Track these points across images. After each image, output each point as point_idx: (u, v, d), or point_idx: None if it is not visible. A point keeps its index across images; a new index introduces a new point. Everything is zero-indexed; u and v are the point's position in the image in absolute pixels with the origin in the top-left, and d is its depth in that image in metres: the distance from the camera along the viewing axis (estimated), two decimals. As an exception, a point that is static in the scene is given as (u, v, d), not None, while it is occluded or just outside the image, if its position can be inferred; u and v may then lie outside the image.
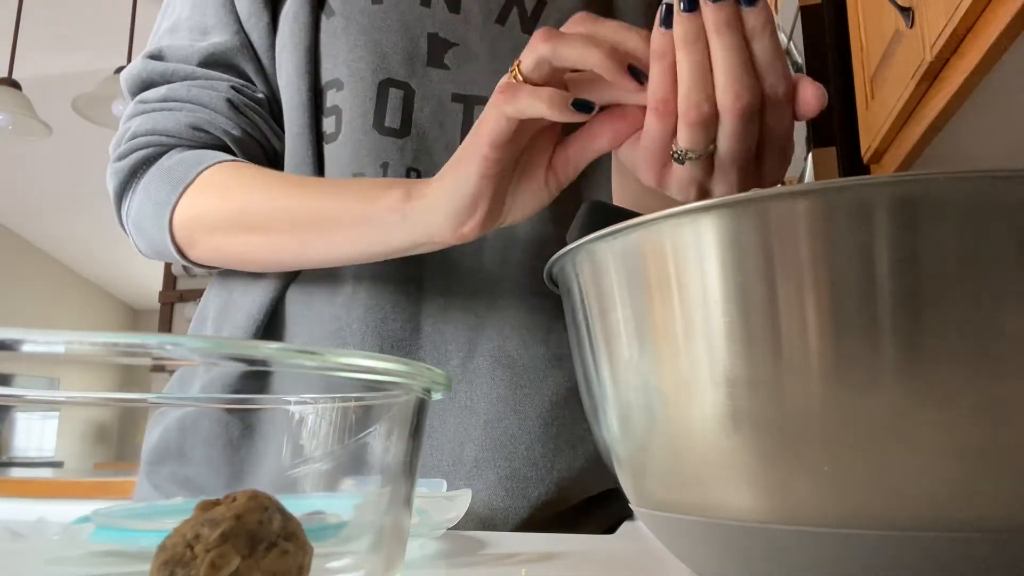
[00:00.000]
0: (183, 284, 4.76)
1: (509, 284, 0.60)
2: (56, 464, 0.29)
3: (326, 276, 0.60)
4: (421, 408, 0.30)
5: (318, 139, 0.61)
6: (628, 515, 0.66)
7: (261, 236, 0.55)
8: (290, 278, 0.61)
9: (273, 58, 0.63)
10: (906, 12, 1.04)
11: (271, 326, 0.61)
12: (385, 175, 0.59)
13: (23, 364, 0.22)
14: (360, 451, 0.29)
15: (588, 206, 0.33)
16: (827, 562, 0.24)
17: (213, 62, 0.62)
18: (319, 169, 0.61)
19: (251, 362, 0.25)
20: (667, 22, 0.39)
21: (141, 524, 0.29)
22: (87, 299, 6.58)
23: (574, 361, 0.34)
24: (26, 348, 0.21)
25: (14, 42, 3.01)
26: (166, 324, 4.74)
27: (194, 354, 0.23)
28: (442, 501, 0.44)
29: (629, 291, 0.28)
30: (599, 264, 0.29)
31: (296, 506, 0.23)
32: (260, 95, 0.63)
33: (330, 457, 0.29)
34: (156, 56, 0.63)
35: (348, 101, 0.60)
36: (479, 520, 0.57)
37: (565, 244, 0.30)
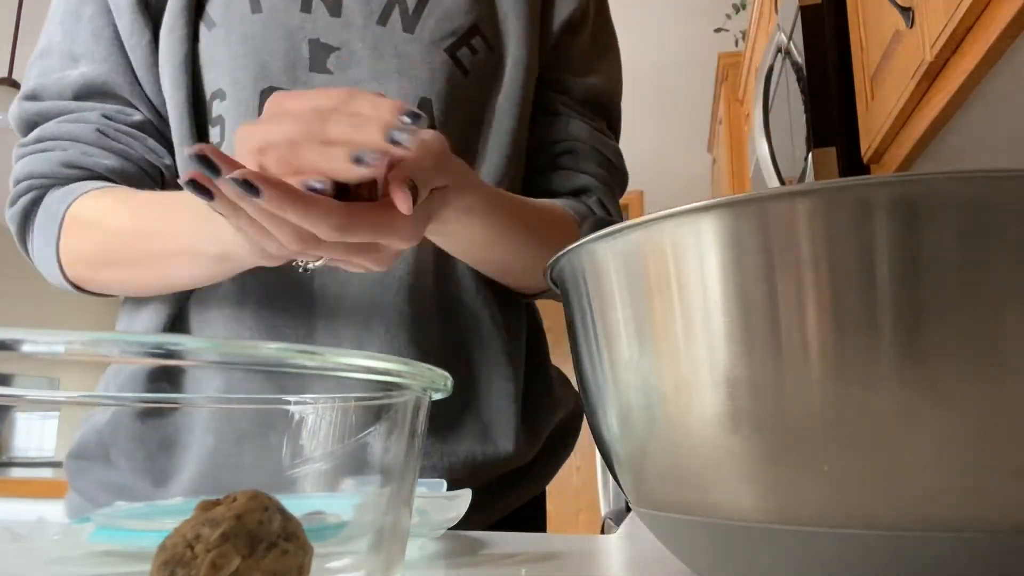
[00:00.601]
0: (183, 284, 4.76)
1: (393, 287, 0.61)
2: (56, 464, 0.29)
3: (217, 287, 0.61)
4: (421, 408, 0.30)
5: None
6: (537, 493, 0.69)
7: (126, 271, 0.58)
8: (187, 294, 0.62)
9: (157, 76, 0.63)
10: (906, 12, 1.04)
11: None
12: None
13: (23, 364, 0.22)
14: (360, 451, 0.29)
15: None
16: (827, 562, 0.24)
17: (86, 93, 0.63)
18: None
19: (252, 362, 0.25)
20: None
21: (141, 524, 0.29)
22: (87, 299, 6.57)
23: (574, 361, 0.34)
24: (26, 348, 0.21)
25: (14, 42, 3.00)
26: (166, 324, 4.73)
27: (195, 354, 0.23)
28: (442, 501, 0.44)
29: (629, 291, 0.28)
30: (599, 264, 0.29)
31: (296, 506, 0.23)
32: (138, 117, 0.63)
33: (330, 457, 0.29)
34: (31, 96, 0.64)
35: (230, 110, 0.61)
36: None
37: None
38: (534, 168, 0.71)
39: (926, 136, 1.11)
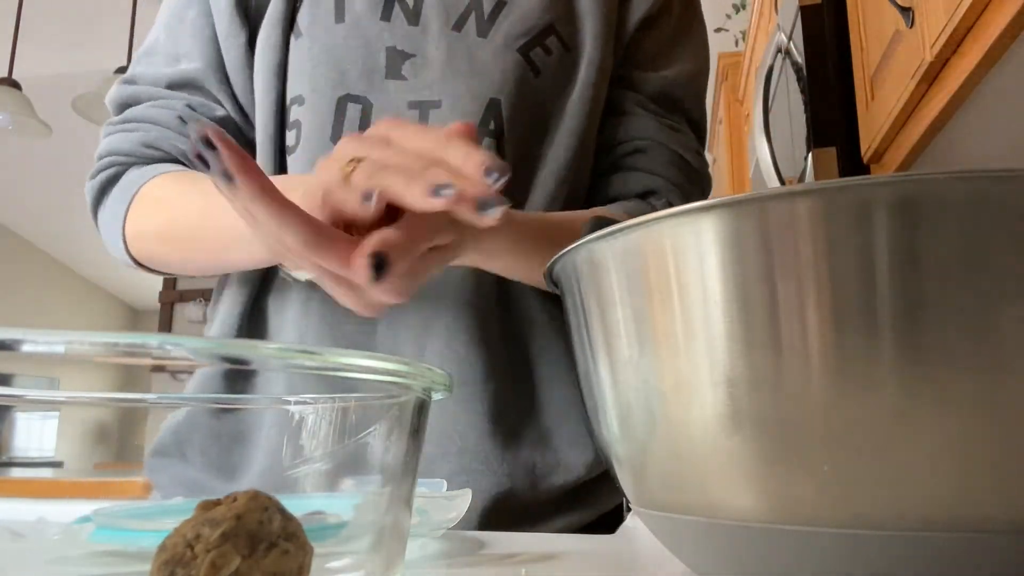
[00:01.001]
0: (183, 284, 4.76)
1: (453, 287, 0.61)
2: (56, 464, 0.29)
3: (292, 283, 0.62)
4: (421, 408, 0.30)
5: (281, 151, 0.65)
6: (609, 509, 0.66)
7: (186, 250, 0.60)
8: (266, 285, 0.65)
9: (249, 77, 0.66)
10: (906, 12, 1.04)
11: (254, 333, 0.65)
12: None
13: (23, 364, 0.22)
14: (360, 451, 0.29)
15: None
16: (827, 562, 0.24)
17: (178, 84, 0.67)
18: None
19: (252, 362, 0.25)
20: None
21: (141, 524, 0.29)
22: (87, 299, 6.58)
23: (575, 361, 0.34)
24: (26, 348, 0.21)
25: (14, 42, 3.00)
26: (166, 324, 4.74)
27: (194, 354, 0.23)
28: (442, 501, 0.44)
29: (629, 291, 0.28)
30: (599, 264, 0.29)
31: (296, 506, 0.23)
32: (220, 113, 0.67)
33: (330, 457, 0.29)
34: (129, 81, 0.69)
35: (307, 115, 0.63)
36: None
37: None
38: (598, 171, 0.70)
39: (926, 136, 1.11)
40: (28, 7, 3.12)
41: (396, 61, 0.63)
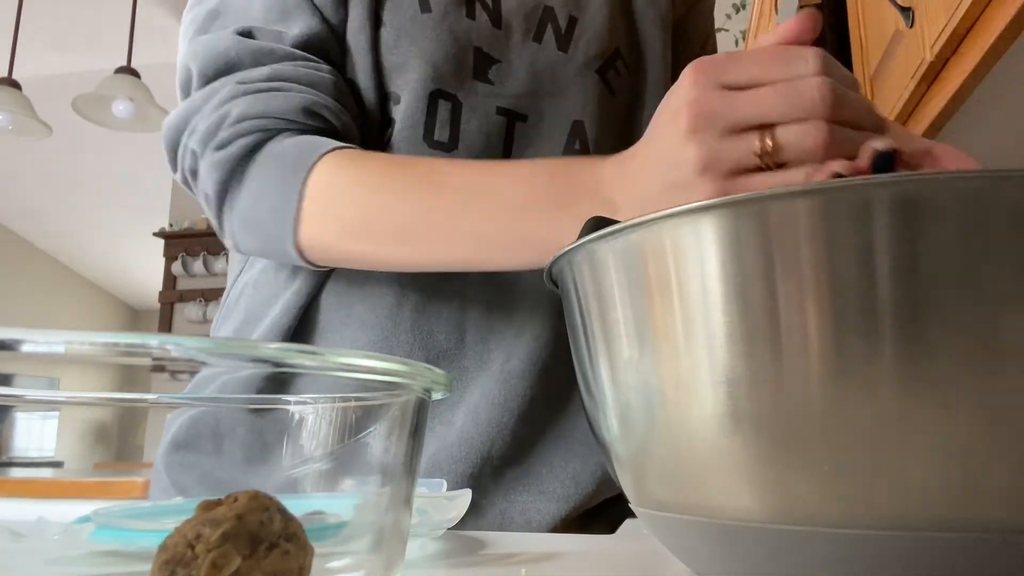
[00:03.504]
0: (183, 284, 4.76)
1: (547, 296, 0.61)
2: (56, 464, 0.29)
3: (365, 282, 0.59)
4: (421, 408, 0.30)
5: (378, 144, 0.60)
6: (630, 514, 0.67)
7: (411, 245, 0.50)
8: (322, 282, 0.60)
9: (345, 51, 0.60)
10: (906, 12, 1.04)
11: (301, 331, 0.60)
12: None
13: (23, 364, 0.22)
14: (360, 451, 0.29)
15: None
16: (827, 562, 0.24)
17: (307, 46, 0.57)
18: None
19: (253, 362, 0.25)
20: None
21: (141, 524, 0.29)
22: (87, 299, 6.58)
23: (574, 361, 0.34)
24: (26, 348, 0.21)
25: (14, 42, 3.01)
26: (166, 324, 4.74)
27: (194, 354, 0.23)
28: (442, 501, 0.44)
29: (629, 291, 0.28)
30: (599, 264, 0.29)
31: (296, 506, 0.23)
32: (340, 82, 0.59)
33: (330, 457, 0.29)
34: (246, 34, 0.56)
35: (399, 113, 0.59)
36: (500, 516, 0.59)
37: None
38: None
39: (926, 136, 1.11)
40: (28, 7, 3.13)
41: (483, 63, 0.61)
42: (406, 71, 0.59)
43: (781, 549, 0.25)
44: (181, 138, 0.57)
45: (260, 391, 0.50)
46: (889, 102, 1.18)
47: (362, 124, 0.59)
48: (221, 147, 0.54)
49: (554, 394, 0.61)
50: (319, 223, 0.51)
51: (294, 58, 0.56)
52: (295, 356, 0.25)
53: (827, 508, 0.23)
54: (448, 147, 0.59)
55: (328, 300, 0.60)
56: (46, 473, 0.28)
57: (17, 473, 0.27)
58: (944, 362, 0.22)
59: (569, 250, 0.31)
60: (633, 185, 0.44)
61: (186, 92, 0.59)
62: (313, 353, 0.25)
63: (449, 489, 0.54)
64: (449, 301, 0.59)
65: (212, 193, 0.55)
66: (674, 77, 0.72)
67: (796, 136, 0.36)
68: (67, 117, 3.29)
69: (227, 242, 0.58)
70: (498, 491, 0.59)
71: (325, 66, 0.56)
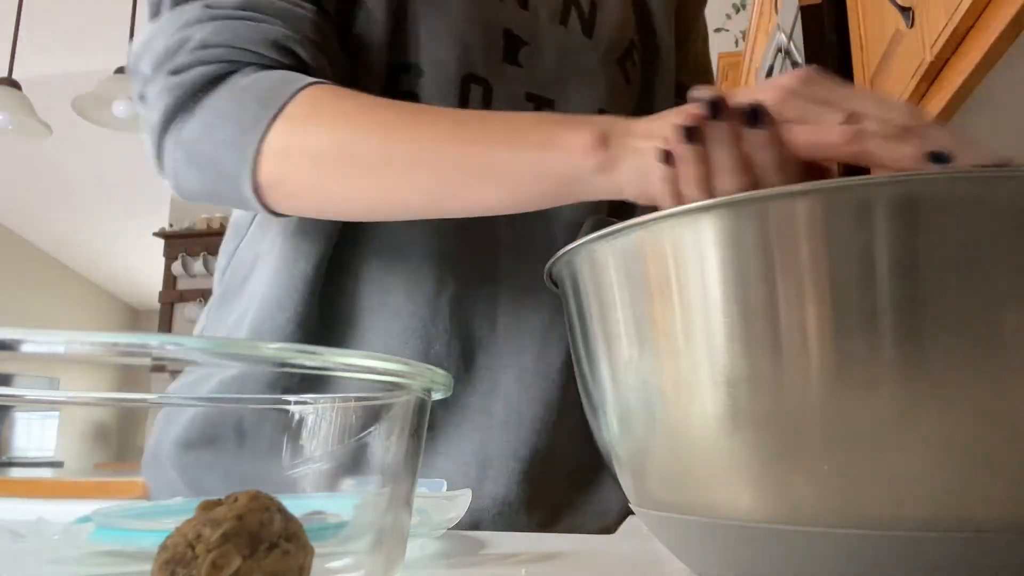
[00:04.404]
0: (183, 284, 4.76)
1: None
2: (56, 464, 0.29)
3: (402, 270, 0.57)
4: (421, 408, 0.30)
5: None
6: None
7: (389, 178, 0.46)
8: (352, 265, 0.57)
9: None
10: (906, 12, 1.04)
11: (332, 321, 0.57)
12: None
13: (23, 364, 0.22)
14: (360, 451, 0.29)
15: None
16: (827, 562, 0.24)
17: None
18: None
19: (252, 361, 0.25)
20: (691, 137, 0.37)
21: (141, 524, 0.29)
22: (87, 299, 6.58)
23: (575, 361, 0.34)
24: (26, 348, 0.21)
25: (14, 42, 3.00)
26: (166, 324, 4.74)
27: (195, 354, 0.23)
28: (442, 501, 0.44)
29: (629, 291, 0.28)
30: (599, 264, 0.29)
31: (296, 506, 0.23)
32: (333, 33, 0.55)
33: (330, 457, 0.29)
34: None
35: (427, 91, 0.56)
36: (551, 502, 0.59)
37: None
38: None
39: (926, 136, 1.11)
40: (28, 7, 3.12)
41: (512, 45, 0.59)
42: (432, 46, 0.56)
43: (781, 549, 0.25)
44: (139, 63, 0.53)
45: (287, 390, 0.50)
46: (889, 102, 1.18)
47: (353, 78, 0.55)
48: (177, 72, 0.50)
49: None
50: (286, 156, 0.47)
51: None
52: (295, 356, 0.25)
53: (827, 508, 0.23)
54: None
55: (363, 288, 0.57)
56: (46, 473, 0.28)
57: (17, 473, 0.27)
58: (943, 362, 0.22)
59: (569, 250, 0.31)
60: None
61: (155, 13, 0.54)
62: (313, 353, 0.25)
63: (505, 486, 0.55)
64: (483, 289, 0.59)
65: (157, 120, 0.50)
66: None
67: (883, 123, 0.36)
68: (67, 117, 3.29)
69: (165, 180, 0.53)
70: (550, 482, 0.59)
71: (309, 4, 0.52)
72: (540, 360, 0.59)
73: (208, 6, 0.50)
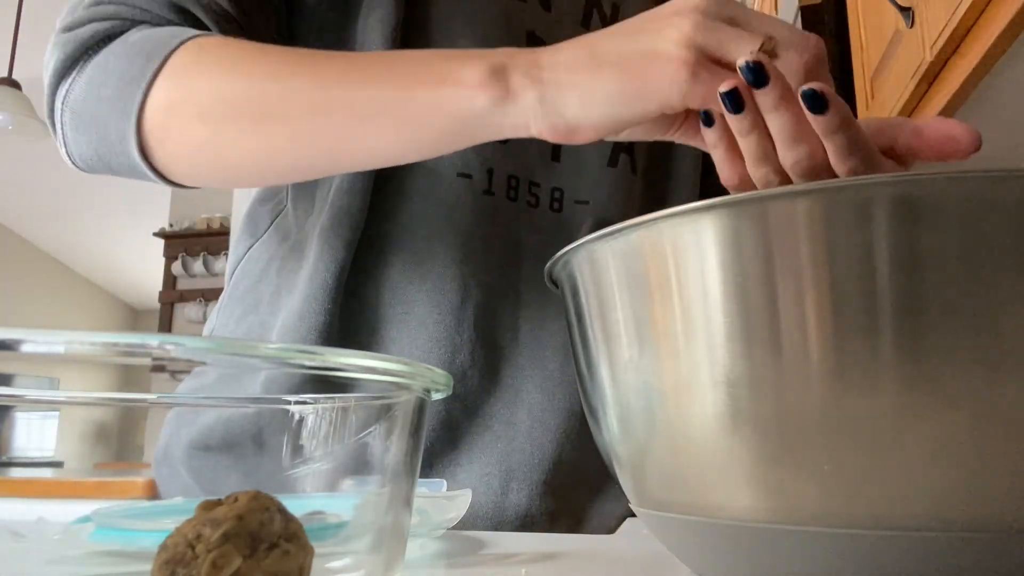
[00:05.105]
0: (183, 284, 4.76)
1: None
2: (56, 464, 0.29)
3: (425, 279, 0.56)
4: (421, 408, 0.30)
5: None
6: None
7: (278, 126, 0.42)
8: (375, 272, 0.56)
9: None
10: (906, 12, 1.04)
11: (353, 328, 0.56)
12: (490, 180, 0.57)
13: (23, 364, 0.22)
14: (360, 451, 0.29)
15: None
16: (827, 562, 0.24)
17: None
18: None
19: (252, 362, 0.25)
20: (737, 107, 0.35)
21: (141, 524, 0.29)
22: (87, 299, 6.58)
23: (575, 361, 0.34)
24: (26, 348, 0.21)
25: (14, 42, 3.01)
26: (166, 324, 4.74)
27: (195, 354, 0.23)
28: (442, 501, 0.44)
29: (629, 291, 0.28)
30: (599, 264, 0.29)
31: (297, 506, 0.23)
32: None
33: (330, 457, 0.29)
34: None
35: None
36: (575, 513, 0.58)
37: None
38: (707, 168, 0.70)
39: (926, 136, 1.10)
40: (28, 7, 3.12)
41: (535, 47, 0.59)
42: (454, 47, 0.54)
43: (781, 549, 0.25)
44: None
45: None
46: (889, 102, 1.18)
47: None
48: (70, 28, 0.47)
49: None
50: (170, 110, 0.44)
51: None
52: (295, 356, 0.25)
53: (827, 508, 0.23)
54: (501, 142, 0.57)
55: (386, 297, 0.56)
56: (46, 473, 0.28)
57: (17, 473, 0.27)
58: (944, 362, 0.22)
59: (569, 250, 0.31)
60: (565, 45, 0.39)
61: None
62: (313, 353, 0.25)
63: (528, 497, 0.55)
64: (505, 296, 0.58)
65: (47, 79, 0.48)
66: None
67: (790, 47, 0.34)
68: (67, 117, 3.28)
69: (61, 151, 0.50)
70: (581, 499, 0.58)
71: None
72: (564, 369, 0.58)
73: None
